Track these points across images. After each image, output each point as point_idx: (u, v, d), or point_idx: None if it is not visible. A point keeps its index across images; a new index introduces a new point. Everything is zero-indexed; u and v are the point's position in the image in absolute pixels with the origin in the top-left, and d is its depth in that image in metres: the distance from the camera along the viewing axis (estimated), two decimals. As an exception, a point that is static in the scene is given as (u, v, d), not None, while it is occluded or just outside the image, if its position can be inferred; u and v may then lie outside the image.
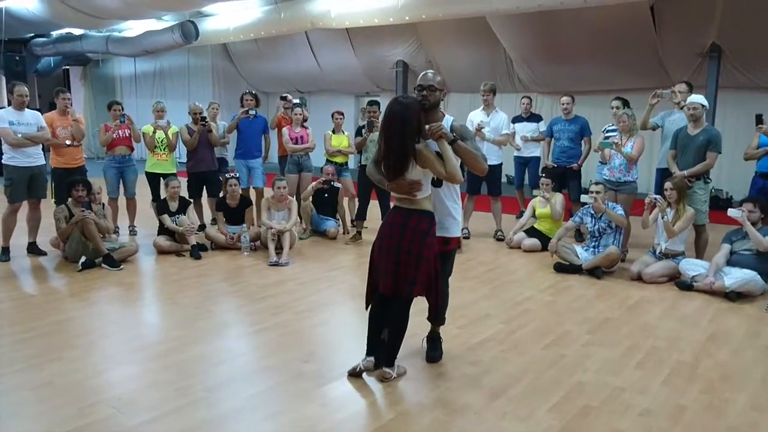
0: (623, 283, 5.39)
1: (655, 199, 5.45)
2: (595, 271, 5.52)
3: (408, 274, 3.19)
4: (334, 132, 7.52)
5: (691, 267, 5.23)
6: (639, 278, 5.39)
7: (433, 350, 3.66)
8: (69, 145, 6.32)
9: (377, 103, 6.75)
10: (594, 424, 2.89)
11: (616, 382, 3.36)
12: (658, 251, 5.52)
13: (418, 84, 3.29)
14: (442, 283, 3.43)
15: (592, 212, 5.73)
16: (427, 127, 3.15)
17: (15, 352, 3.66)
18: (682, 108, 5.95)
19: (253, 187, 7.43)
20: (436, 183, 3.31)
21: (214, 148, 7.20)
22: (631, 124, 6.00)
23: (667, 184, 5.46)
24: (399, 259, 3.18)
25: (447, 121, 3.34)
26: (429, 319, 3.58)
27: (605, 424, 2.90)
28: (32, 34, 15.08)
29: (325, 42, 13.11)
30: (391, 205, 3.35)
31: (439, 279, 3.32)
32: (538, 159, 7.86)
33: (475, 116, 7.09)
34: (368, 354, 3.39)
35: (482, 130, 6.90)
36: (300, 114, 7.37)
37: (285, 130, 7.37)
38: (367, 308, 3.44)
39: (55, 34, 15.08)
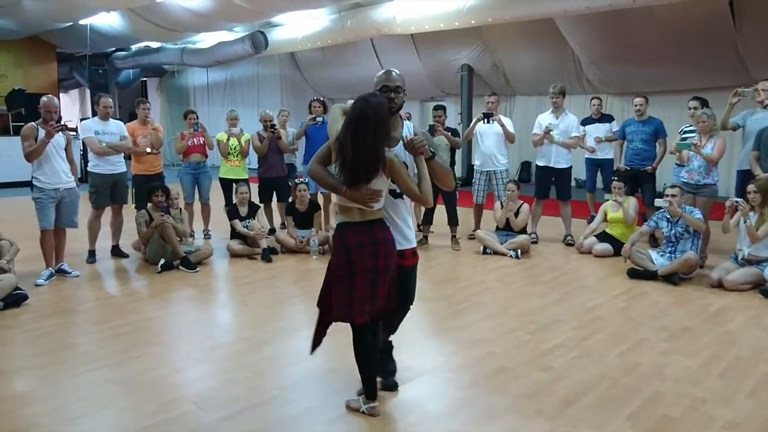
0: (702, 290, 5.16)
1: (737, 202, 5.19)
2: (672, 278, 5.30)
3: (384, 291, 2.88)
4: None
5: (778, 274, 4.96)
6: (720, 285, 5.14)
7: (390, 361, 3.32)
8: (149, 153, 6.63)
9: (443, 108, 6.75)
10: (674, 436, 2.79)
11: (697, 392, 3.22)
12: (740, 257, 5.25)
13: (384, 85, 2.93)
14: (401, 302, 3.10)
15: (668, 216, 5.52)
16: (408, 138, 2.91)
17: (102, 348, 3.88)
18: (766, 107, 5.66)
19: (321, 192, 7.56)
20: (399, 194, 3.01)
21: (284, 154, 7.40)
22: (710, 124, 5.75)
23: (751, 187, 5.19)
24: (377, 279, 2.84)
25: (408, 126, 3.06)
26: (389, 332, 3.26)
27: (686, 435, 2.79)
28: (114, 49, 15.96)
29: (389, 48, 13.23)
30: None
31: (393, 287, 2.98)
32: (611, 161, 7.56)
33: (544, 119, 6.99)
34: (374, 399, 3.03)
35: (551, 132, 6.80)
36: None
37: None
38: (313, 351, 3.09)
39: (134, 47, 15.90)
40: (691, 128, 6.38)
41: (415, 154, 2.92)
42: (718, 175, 5.84)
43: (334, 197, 3.03)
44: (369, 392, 3.02)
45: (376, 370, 3.10)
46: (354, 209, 2.89)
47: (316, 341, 3.10)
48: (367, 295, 2.85)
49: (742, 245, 5.25)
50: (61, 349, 3.88)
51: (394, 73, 2.98)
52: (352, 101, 2.85)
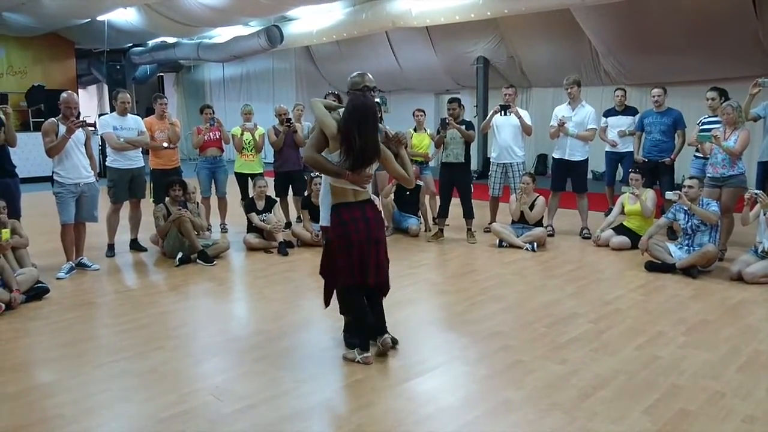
0: (722, 283, 5.10)
1: (756, 194, 5.12)
2: (691, 271, 5.25)
3: (386, 260, 3.53)
4: (415, 130, 7.55)
5: (799, 267, 4.88)
6: (739, 278, 5.08)
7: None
8: (166, 148, 6.69)
9: (458, 100, 6.73)
10: (692, 429, 2.77)
11: (715, 386, 3.20)
12: (760, 250, 5.18)
13: (365, 85, 3.51)
14: None
15: (685, 208, 5.46)
16: (392, 133, 3.47)
17: (122, 341, 3.94)
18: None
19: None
20: None
21: (300, 148, 7.42)
22: (735, 116, 5.62)
23: (771, 178, 5.12)
24: (378, 248, 3.43)
25: None
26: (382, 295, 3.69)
27: (704, 429, 2.77)
28: (131, 44, 16.09)
29: (405, 41, 13.18)
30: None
31: None
32: (632, 154, 7.31)
33: (560, 111, 6.94)
34: (368, 349, 3.55)
35: (565, 125, 6.74)
36: None
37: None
38: (326, 306, 3.70)
39: (151, 43, 16.02)
40: (710, 119, 6.29)
41: (399, 145, 3.51)
42: (743, 165, 5.73)
43: (329, 180, 3.46)
44: (363, 344, 3.54)
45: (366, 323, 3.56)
46: (348, 191, 3.38)
47: (327, 300, 3.69)
48: (372, 264, 3.41)
49: (762, 238, 5.18)
50: (82, 341, 3.96)
51: (368, 75, 3.59)
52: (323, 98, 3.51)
